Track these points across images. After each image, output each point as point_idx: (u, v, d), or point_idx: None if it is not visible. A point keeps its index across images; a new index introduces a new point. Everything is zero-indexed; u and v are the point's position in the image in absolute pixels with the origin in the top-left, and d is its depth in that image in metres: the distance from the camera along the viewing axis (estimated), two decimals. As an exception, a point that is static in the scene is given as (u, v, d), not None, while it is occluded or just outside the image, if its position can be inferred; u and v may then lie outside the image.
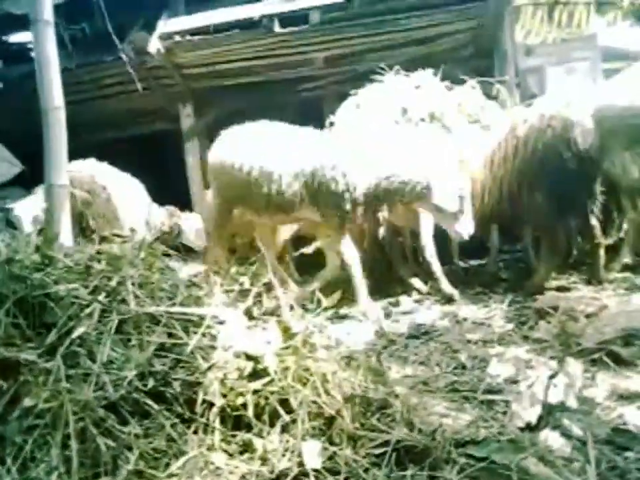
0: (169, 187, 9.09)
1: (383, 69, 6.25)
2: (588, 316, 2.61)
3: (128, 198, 5.49)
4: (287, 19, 7.09)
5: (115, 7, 6.96)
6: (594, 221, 3.64)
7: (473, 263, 5.20)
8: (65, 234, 4.08)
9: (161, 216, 6.35)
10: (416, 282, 4.07)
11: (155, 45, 7.26)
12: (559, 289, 3.73)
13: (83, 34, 7.00)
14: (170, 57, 7.49)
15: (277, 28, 7.06)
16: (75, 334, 1.23)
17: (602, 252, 3.67)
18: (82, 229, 5.06)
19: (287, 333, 1.43)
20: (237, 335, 1.35)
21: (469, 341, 2.53)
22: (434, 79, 6.01)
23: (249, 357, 1.29)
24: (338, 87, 7.91)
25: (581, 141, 3.47)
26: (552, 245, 3.63)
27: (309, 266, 5.78)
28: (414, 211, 3.77)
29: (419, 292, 3.96)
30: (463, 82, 7.47)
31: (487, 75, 7.37)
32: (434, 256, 3.68)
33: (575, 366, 1.95)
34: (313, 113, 8.15)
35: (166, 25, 7.43)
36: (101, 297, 1.35)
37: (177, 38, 7.33)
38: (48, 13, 4.14)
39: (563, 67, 20.04)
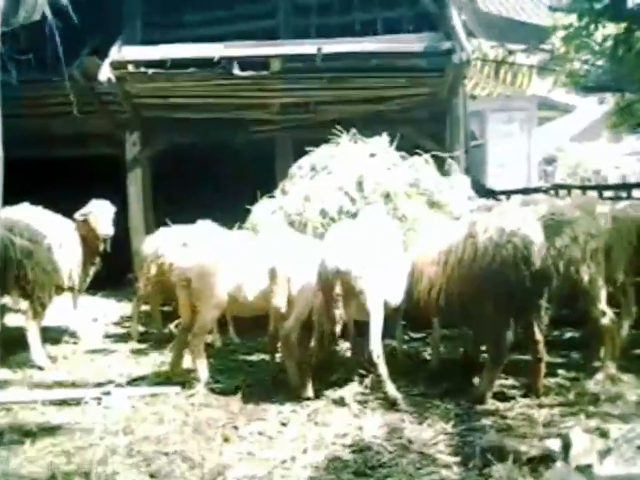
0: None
1: (339, 129, 6.26)
2: (530, 460, 2.68)
3: (66, 246, 5.18)
4: (247, 62, 6.99)
5: (65, 26, 6.59)
6: (539, 336, 3.77)
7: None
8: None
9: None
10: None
11: (105, 72, 6.95)
12: (498, 395, 3.84)
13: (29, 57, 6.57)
14: (121, 86, 7.20)
15: (236, 70, 6.94)
16: None
17: (543, 366, 3.80)
18: (17, 279, 4.73)
19: None
20: None
21: (418, 487, 2.53)
22: (389, 148, 6.08)
23: None
24: (292, 132, 7.89)
25: (537, 259, 3.58)
26: (496, 355, 3.72)
27: (249, 327, 5.64)
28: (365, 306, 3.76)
29: (366, 387, 3.96)
30: (416, 145, 7.67)
31: (439, 138, 7.59)
32: (381, 356, 3.68)
33: None
34: (264, 154, 8.09)
35: (120, 52, 7.13)
36: None
37: (131, 68, 7.06)
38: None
39: (502, 113, 20.96)
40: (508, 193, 15.07)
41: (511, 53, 13.03)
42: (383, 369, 3.66)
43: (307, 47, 6.82)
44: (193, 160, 8.35)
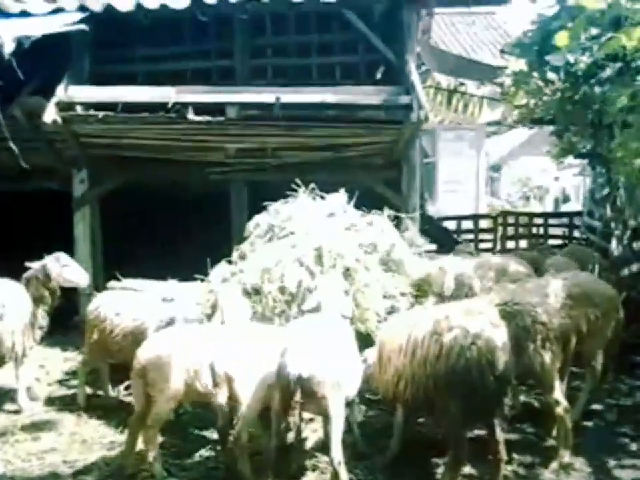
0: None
1: (297, 184, 6.19)
2: None
3: (10, 315, 4.90)
4: (202, 106, 6.79)
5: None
6: (499, 436, 3.80)
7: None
8: None
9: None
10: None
11: (51, 113, 6.61)
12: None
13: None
14: (68, 127, 6.86)
15: (191, 115, 6.73)
16: None
17: (502, 466, 3.83)
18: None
19: None
20: None
21: None
22: (347, 205, 6.06)
23: None
24: (248, 174, 7.77)
25: (501, 364, 3.60)
26: (458, 455, 3.73)
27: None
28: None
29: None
30: (373, 193, 7.68)
31: (396, 185, 7.63)
32: (342, 463, 3.59)
33: None
34: (219, 196, 7.93)
35: (67, 91, 6.78)
36: None
37: (79, 109, 6.75)
38: None
39: (452, 132, 21.42)
40: (456, 219, 15.43)
41: (462, 83, 13.30)
42: (344, 476, 3.60)
43: (264, 96, 6.69)
44: (146, 201, 8.10)
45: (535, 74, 8.67)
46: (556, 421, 4.32)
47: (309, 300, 4.48)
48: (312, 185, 6.17)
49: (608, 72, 5.10)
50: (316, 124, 6.85)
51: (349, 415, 4.39)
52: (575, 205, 25.75)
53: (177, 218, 8.45)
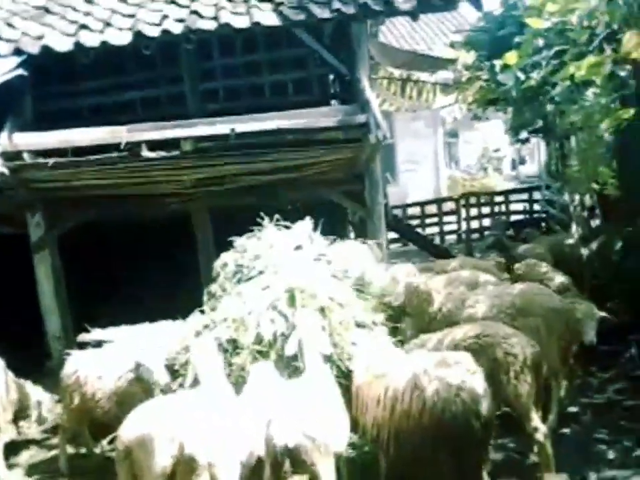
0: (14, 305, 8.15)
1: (261, 217, 6.15)
2: None
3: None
4: (156, 143, 6.63)
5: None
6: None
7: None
8: None
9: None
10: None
11: (-3, 165, 6.35)
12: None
13: None
14: (16, 176, 6.62)
15: (145, 152, 6.57)
16: None
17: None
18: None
19: None
20: None
21: None
22: (313, 234, 6.06)
23: None
24: (209, 201, 7.67)
25: (485, 410, 3.66)
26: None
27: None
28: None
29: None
30: (336, 206, 7.68)
31: (360, 198, 7.63)
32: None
33: None
34: (182, 226, 7.82)
35: (11, 140, 6.52)
36: None
37: (27, 158, 6.50)
38: None
39: (409, 112, 21.34)
40: (420, 205, 15.55)
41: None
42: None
43: (219, 127, 6.55)
44: (105, 241, 7.92)
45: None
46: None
47: (289, 342, 4.51)
48: (276, 216, 6.15)
49: (558, 89, 5.16)
50: (273, 150, 6.76)
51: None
52: (530, 167, 26.37)
53: (139, 255, 8.27)
